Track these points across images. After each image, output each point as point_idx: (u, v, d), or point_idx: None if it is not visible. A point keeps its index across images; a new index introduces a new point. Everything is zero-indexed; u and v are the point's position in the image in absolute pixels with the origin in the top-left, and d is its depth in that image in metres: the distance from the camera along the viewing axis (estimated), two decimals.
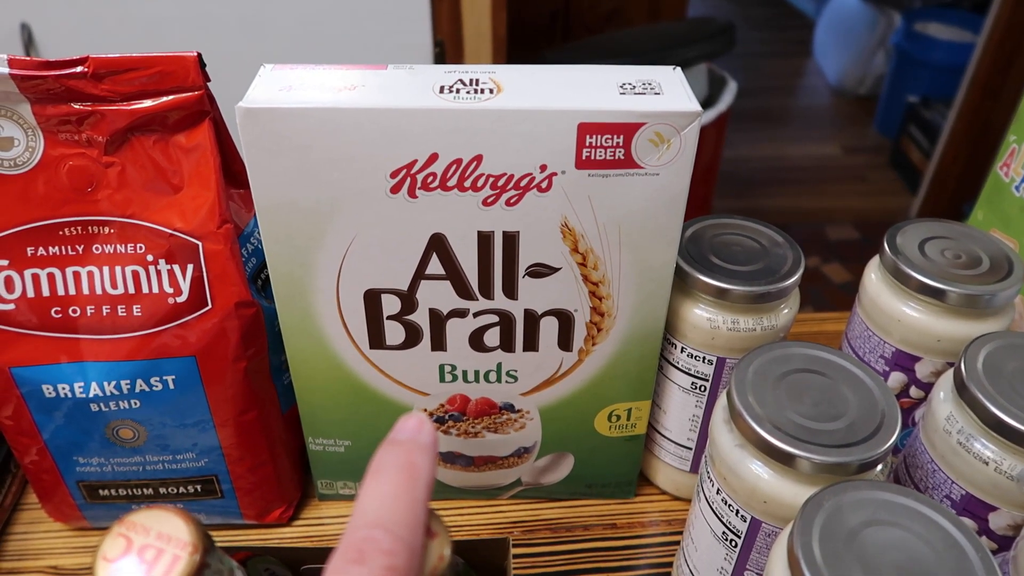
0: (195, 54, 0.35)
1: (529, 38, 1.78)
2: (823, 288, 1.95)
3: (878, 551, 0.28)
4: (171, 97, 0.36)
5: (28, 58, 0.34)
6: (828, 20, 2.86)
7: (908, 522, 0.29)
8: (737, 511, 0.35)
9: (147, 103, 0.36)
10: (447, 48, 1.26)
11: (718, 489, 0.36)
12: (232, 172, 0.41)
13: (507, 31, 1.30)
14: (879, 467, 0.33)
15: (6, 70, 0.34)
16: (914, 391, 0.43)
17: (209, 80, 0.37)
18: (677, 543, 0.47)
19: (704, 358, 0.42)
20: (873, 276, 0.44)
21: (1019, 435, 0.33)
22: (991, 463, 0.34)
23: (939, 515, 0.29)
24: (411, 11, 1.20)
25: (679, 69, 0.38)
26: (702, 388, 0.44)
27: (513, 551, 0.47)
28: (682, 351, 0.43)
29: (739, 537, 0.36)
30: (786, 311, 0.42)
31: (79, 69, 0.35)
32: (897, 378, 0.43)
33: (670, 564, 0.46)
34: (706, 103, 1.52)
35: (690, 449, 0.47)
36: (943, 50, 2.27)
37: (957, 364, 0.36)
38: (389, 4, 1.19)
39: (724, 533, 0.36)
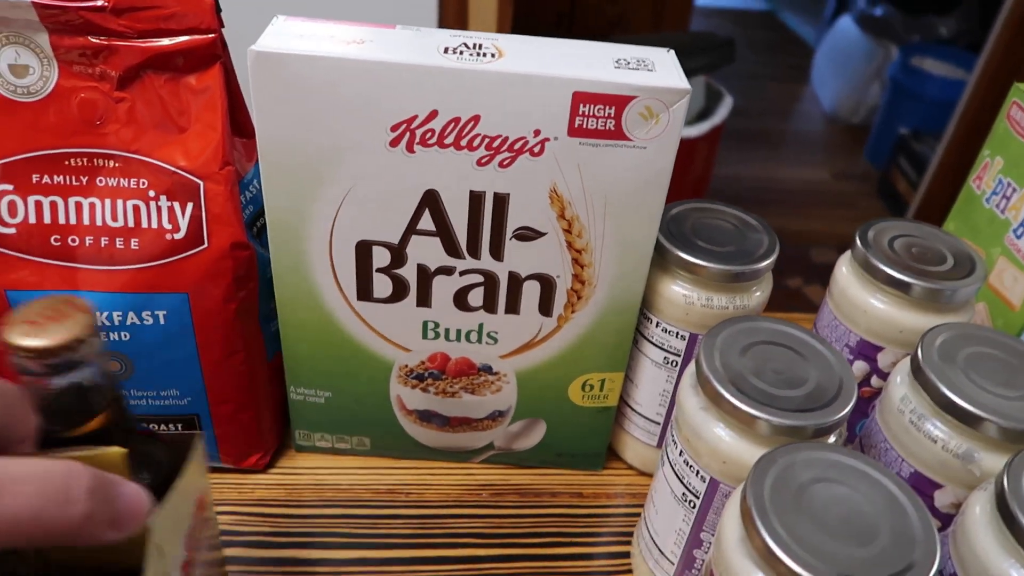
0: None
1: None
2: (803, 308, 1.98)
3: (824, 505, 0.30)
4: (186, 38, 0.37)
5: None
6: (827, 48, 2.91)
7: (854, 481, 0.31)
8: (697, 472, 0.37)
9: (162, 41, 0.37)
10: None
11: (681, 451, 0.38)
12: (236, 121, 0.42)
13: (512, 32, 1.32)
14: (833, 436, 0.35)
15: None
16: (875, 380, 0.45)
17: (223, 26, 0.38)
18: (640, 515, 0.48)
19: (677, 333, 0.44)
20: (844, 269, 0.46)
21: (967, 416, 0.35)
22: (939, 442, 0.36)
23: (883, 476, 0.31)
24: (419, 10, 1.22)
25: (672, 51, 0.39)
26: (674, 363, 0.45)
27: (481, 511, 0.48)
28: (657, 325, 0.45)
29: (698, 498, 0.37)
30: (758, 293, 0.44)
31: (100, 3, 0.36)
32: (860, 367, 0.45)
33: (631, 534, 0.48)
34: (701, 116, 1.54)
35: (659, 424, 0.49)
36: (936, 85, 2.32)
37: (915, 349, 0.38)
38: (397, 3, 1.20)
39: (684, 494, 0.38)
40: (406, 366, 0.46)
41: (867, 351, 0.44)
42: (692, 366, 0.38)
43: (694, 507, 0.38)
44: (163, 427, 0.46)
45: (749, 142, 2.62)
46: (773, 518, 0.29)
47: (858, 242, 0.44)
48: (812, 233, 2.24)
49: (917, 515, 0.30)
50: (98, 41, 0.37)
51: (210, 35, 0.38)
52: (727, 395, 0.34)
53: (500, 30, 1.30)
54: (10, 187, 0.39)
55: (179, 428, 0.46)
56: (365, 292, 0.43)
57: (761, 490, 0.30)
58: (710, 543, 0.38)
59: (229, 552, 0.45)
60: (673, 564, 0.41)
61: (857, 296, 0.44)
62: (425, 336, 0.44)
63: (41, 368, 0.27)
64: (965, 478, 0.36)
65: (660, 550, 0.41)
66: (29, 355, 0.26)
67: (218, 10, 0.38)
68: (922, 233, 0.46)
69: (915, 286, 0.42)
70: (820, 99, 2.91)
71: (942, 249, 0.45)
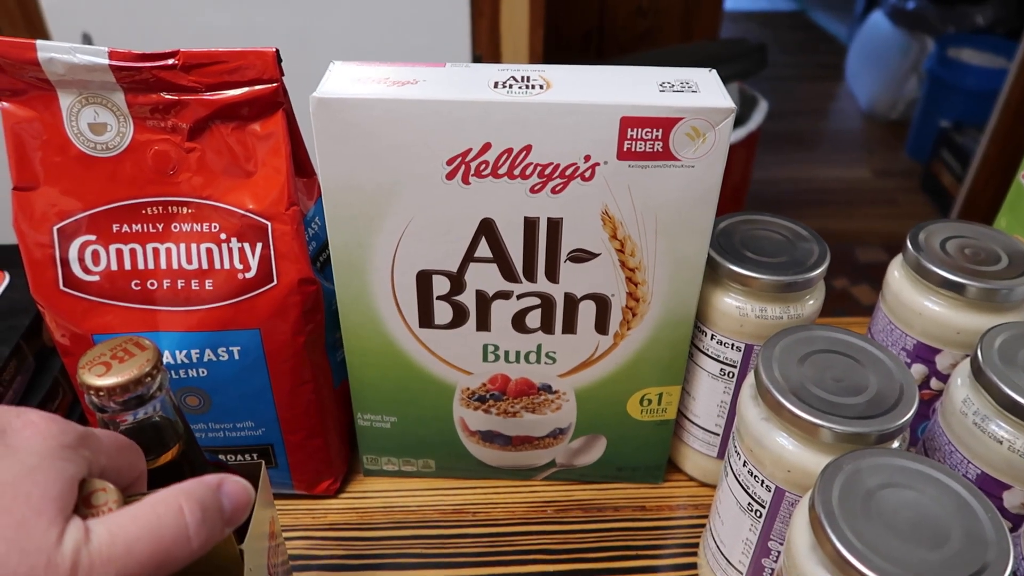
0: (274, 50, 0.39)
1: (564, 56, 1.83)
2: (851, 309, 1.95)
3: (894, 510, 0.30)
4: (250, 88, 0.39)
5: (125, 51, 0.38)
6: (860, 45, 2.88)
7: (922, 485, 0.31)
8: (762, 481, 0.37)
9: (229, 93, 0.39)
10: (485, 63, 1.30)
11: (745, 461, 0.38)
12: (297, 160, 0.44)
13: (543, 48, 1.34)
14: (896, 441, 0.36)
15: (106, 61, 0.38)
16: (934, 383, 0.45)
17: (283, 75, 0.40)
18: (703, 526, 0.49)
19: (733, 345, 0.45)
20: (896, 273, 0.46)
21: None
22: (1005, 442, 0.36)
23: (951, 480, 0.31)
24: (452, 26, 1.24)
25: (715, 71, 0.40)
26: (730, 374, 0.46)
27: (547, 528, 0.49)
28: (712, 338, 0.46)
29: (763, 507, 0.38)
30: (811, 302, 0.45)
31: (171, 62, 0.38)
32: (918, 370, 0.45)
33: (696, 545, 0.48)
34: (737, 122, 1.54)
35: (717, 435, 0.49)
36: (976, 75, 2.28)
37: (974, 350, 0.38)
38: (431, 20, 1.23)
39: (749, 504, 0.39)
40: (468, 389, 0.47)
41: (925, 354, 0.45)
42: (751, 377, 0.39)
43: (760, 516, 0.38)
44: (240, 457, 0.48)
45: (786, 144, 2.60)
46: (843, 525, 0.29)
47: (909, 245, 0.45)
48: (856, 232, 2.21)
49: (987, 517, 0.30)
50: (170, 97, 0.40)
51: (273, 84, 0.40)
52: (789, 405, 0.35)
53: (532, 50, 1.32)
54: (93, 237, 0.42)
55: (255, 457, 0.48)
56: (426, 319, 0.44)
57: (830, 497, 0.31)
58: (778, 552, 0.39)
59: None
60: (741, 573, 0.41)
61: (911, 299, 0.44)
62: (485, 359, 0.46)
63: (114, 405, 0.30)
64: None
65: (727, 560, 0.42)
66: (102, 393, 0.29)
67: (279, 60, 0.40)
68: (974, 233, 0.46)
69: (970, 287, 0.42)
70: (856, 96, 2.88)
71: (996, 248, 0.45)
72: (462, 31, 1.26)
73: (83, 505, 0.24)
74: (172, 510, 0.24)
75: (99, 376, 0.29)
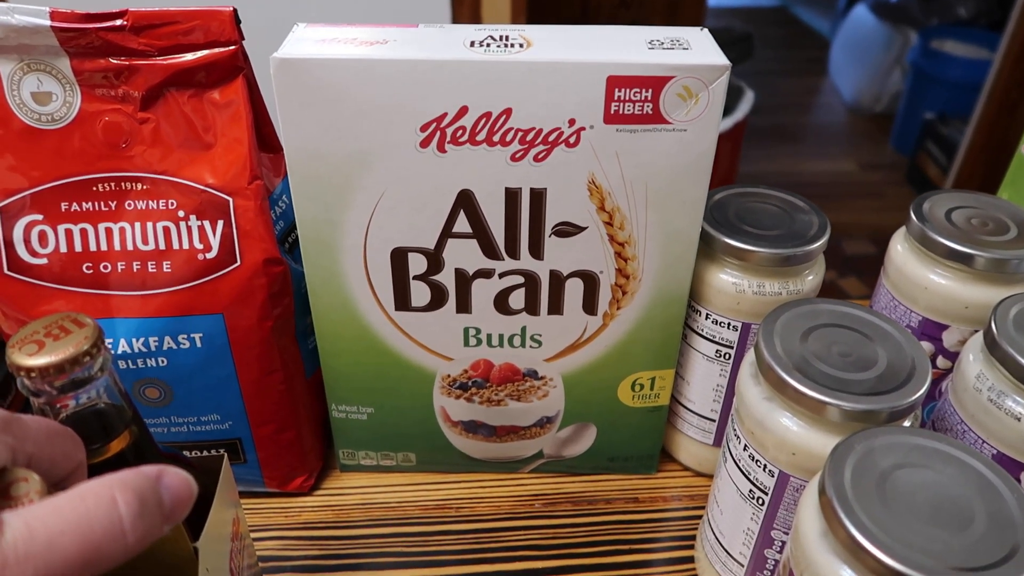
0: (231, 8, 0.36)
1: None
2: None
3: (911, 491, 0.28)
4: (207, 52, 0.37)
5: (69, 11, 0.35)
6: (843, 39, 2.87)
7: (940, 465, 0.29)
8: (765, 466, 0.35)
9: (184, 57, 0.37)
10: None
11: (745, 445, 0.36)
12: (262, 135, 0.41)
13: None
14: (908, 420, 0.33)
15: (48, 22, 0.35)
16: (941, 361, 0.43)
17: (244, 38, 0.37)
18: (700, 517, 0.46)
19: (729, 324, 0.42)
20: (899, 247, 0.44)
21: None
22: (1023, 419, 0.34)
23: (971, 457, 0.29)
24: (431, 18, 1.22)
25: (706, 30, 0.38)
26: (727, 356, 0.43)
27: (535, 522, 0.47)
28: (707, 318, 0.43)
29: (766, 494, 0.35)
30: (811, 277, 0.42)
31: (119, 22, 0.35)
32: (924, 348, 0.43)
33: (693, 537, 0.46)
34: (723, 113, 1.52)
35: (713, 421, 0.47)
36: (960, 67, 2.27)
37: (987, 323, 0.36)
38: (409, 7, 1.20)
39: (751, 491, 0.36)
40: (449, 376, 0.44)
41: (931, 331, 0.42)
42: (750, 355, 0.37)
43: (763, 504, 0.36)
44: (205, 453, 0.45)
45: (772, 138, 2.59)
46: (857, 509, 0.27)
47: (913, 216, 0.42)
48: (843, 225, 2.19)
49: (1013, 497, 0.28)
50: (119, 62, 0.37)
51: (231, 47, 0.37)
52: (793, 382, 0.32)
53: None
54: (40, 217, 0.39)
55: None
56: (403, 301, 0.41)
57: (841, 480, 0.28)
58: (782, 541, 0.36)
59: None
60: (743, 566, 0.39)
61: (916, 273, 0.42)
62: (467, 343, 0.43)
63: (49, 388, 0.26)
64: None
65: (727, 552, 0.39)
66: (35, 375, 0.26)
67: (237, 21, 0.37)
68: (980, 203, 0.44)
69: (979, 258, 0.40)
70: (840, 90, 2.87)
71: (1003, 217, 0.43)
72: (442, 16, 1.23)
73: (0, 496, 0.21)
74: (104, 501, 0.21)
75: (31, 355, 0.26)
